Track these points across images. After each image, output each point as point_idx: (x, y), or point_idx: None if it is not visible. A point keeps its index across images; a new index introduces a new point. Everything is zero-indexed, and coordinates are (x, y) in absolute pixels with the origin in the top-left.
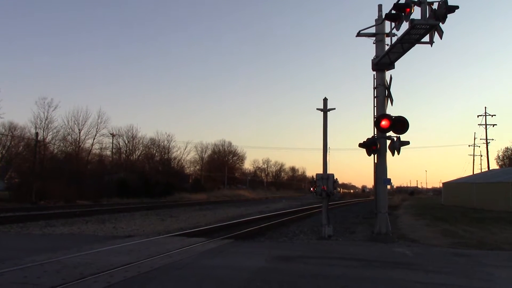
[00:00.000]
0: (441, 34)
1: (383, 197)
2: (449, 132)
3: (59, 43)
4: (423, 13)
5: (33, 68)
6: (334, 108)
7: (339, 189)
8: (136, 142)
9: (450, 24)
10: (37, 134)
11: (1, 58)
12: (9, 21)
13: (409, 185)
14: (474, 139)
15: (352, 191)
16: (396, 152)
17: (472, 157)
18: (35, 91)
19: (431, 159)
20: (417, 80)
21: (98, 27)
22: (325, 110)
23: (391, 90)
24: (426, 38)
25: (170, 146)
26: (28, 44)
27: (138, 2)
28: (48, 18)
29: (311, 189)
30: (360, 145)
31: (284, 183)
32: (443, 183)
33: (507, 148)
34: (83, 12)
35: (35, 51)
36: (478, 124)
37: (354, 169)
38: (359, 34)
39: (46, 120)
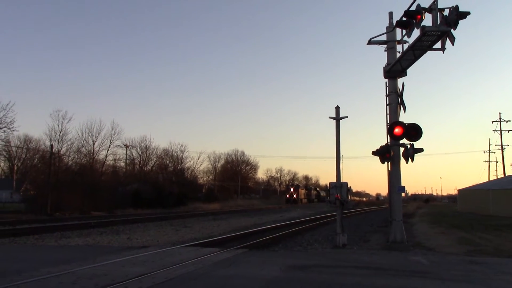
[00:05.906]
0: (453, 40)
1: (398, 204)
2: (464, 138)
3: (72, 56)
4: (434, 19)
5: (47, 81)
6: (347, 116)
7: (351, 197)
8: (149, 153)
9: (462, 30)
10: (51, 146)
11: (16, 72)
12: (23, 35)
13: (424, 192)
14: (489, 145)
15: (366, 199)
16: (410, 160)
17: (488, 164)
18: (50, 104)
19: (446, 166)
20: (430, 86)
21: (109, 38)
22: (337, 119)
23: (403, 97)
24: (438, 45)
25: (183, 157)
26: (41, 57)
27: (149, 12)
28: (61, 31)
29: (287, 196)
30: (374, 153)
31: None
32: (459, 190)
33: None
34: (95, 24)
35: (49, 64)
36: (493, 130)
37: (368, 177)
38: (370, 42)
39: (60, 132)
